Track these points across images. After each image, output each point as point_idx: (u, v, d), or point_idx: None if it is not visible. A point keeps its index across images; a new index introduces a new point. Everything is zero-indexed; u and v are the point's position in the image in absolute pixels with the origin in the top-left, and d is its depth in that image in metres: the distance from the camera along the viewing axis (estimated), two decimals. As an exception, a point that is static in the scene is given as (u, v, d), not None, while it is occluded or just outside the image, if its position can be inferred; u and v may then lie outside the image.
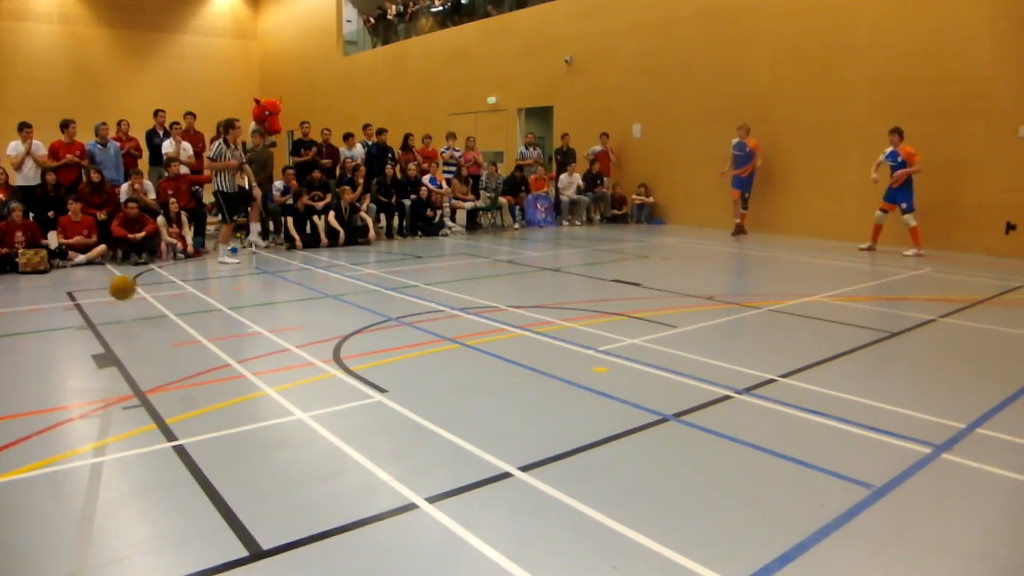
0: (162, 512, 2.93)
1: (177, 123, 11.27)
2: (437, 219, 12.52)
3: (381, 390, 4.29)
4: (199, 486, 3.09)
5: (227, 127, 9.46)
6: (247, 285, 8.25)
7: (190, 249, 9.97)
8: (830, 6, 11.23)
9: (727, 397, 4.19)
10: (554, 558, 2.56)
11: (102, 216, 9.46)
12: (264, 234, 11.13)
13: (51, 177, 9.69)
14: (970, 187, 9.90)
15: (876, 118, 10.60)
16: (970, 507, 2.95)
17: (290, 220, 10.75)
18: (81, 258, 9.08)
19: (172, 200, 9.91)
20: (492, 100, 17.44)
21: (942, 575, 2.50)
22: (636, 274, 8.36)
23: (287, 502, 2.97)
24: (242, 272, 8.89)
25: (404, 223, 12.20)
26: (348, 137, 12.51)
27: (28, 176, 9.79)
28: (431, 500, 2.94)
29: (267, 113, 11.36)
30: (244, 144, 11.22)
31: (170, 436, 3.63)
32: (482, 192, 13.52)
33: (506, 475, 3.18)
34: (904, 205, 9.76)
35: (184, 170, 10.45)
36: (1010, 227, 9.58)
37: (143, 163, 11.49)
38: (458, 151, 13.84)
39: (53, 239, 9.27)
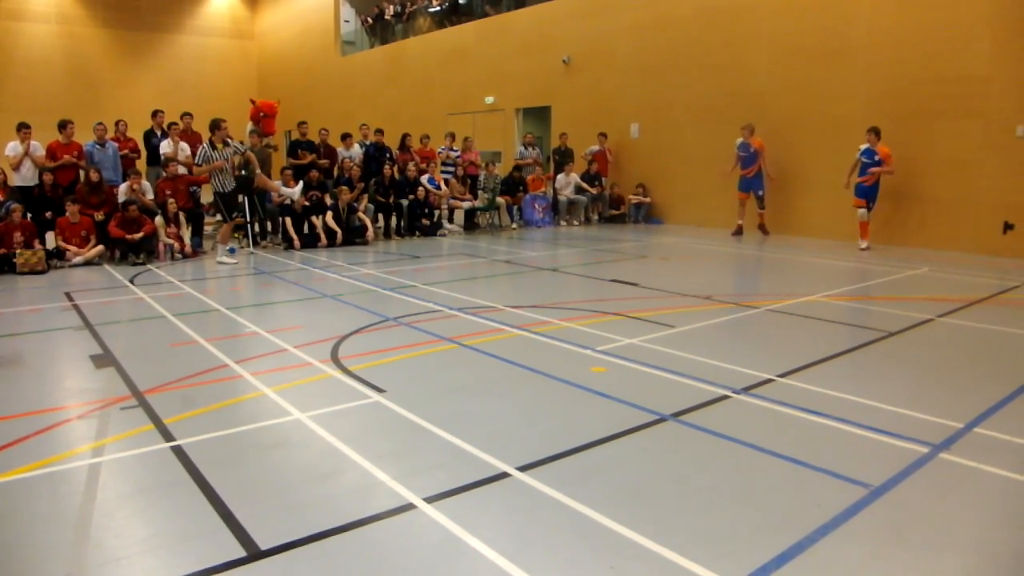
0: (160, 512, 2.93)
1: (175, 123, 11.26)
2: (436, 219, 12.52)
3: (379, 390, 4.29)
4: (197, 486, 3.09)
5: (211, 128, 9.46)
6: (245, 285, 8.25)
7: (188, 249, 9.96)
8: (827, 5, 11.24)
9: (725, 397, 4.19)
10: (552, 558, 2.56)
11: (99, 217, 9.45)
12: (262, 234, 11.13)
13: (48, 177, 9.67)
14: (968, 186, 9.91)
15: (873, 117, 10.60)
16: (968, 507, 2.95)
17: (288, 220, 10.75)
18: (79, 259, 9.07)
19: (171, 200, 9.90)
20: (490, 100, 17.44)
21: (940, 574, 2.51)
22: (634, 274, 8.36)
23: (285, 502, 2.96)
24: (240, 272, 8.89)
25: (402, 223, 12.20)
26: (346, 137, 12.51)
27: (26, 176, 9.77)
28: (429, 500, 2.94)
29: (262, 115, 11.36)
30: (241, 144, 11.22)
31: (168, 436, 3.63)
32: (480, 192, 13.52)
33: (504, 475, 3.18)
34: (870, 205, 10.33)
35: (182, 170, 10.44)
36: (1008, 227, 9.59)
37: (141, 163, 11.48)
38: (455, 151, 13.84)
39: (50, 240, 9.26)
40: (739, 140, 11.78)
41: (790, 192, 11.91)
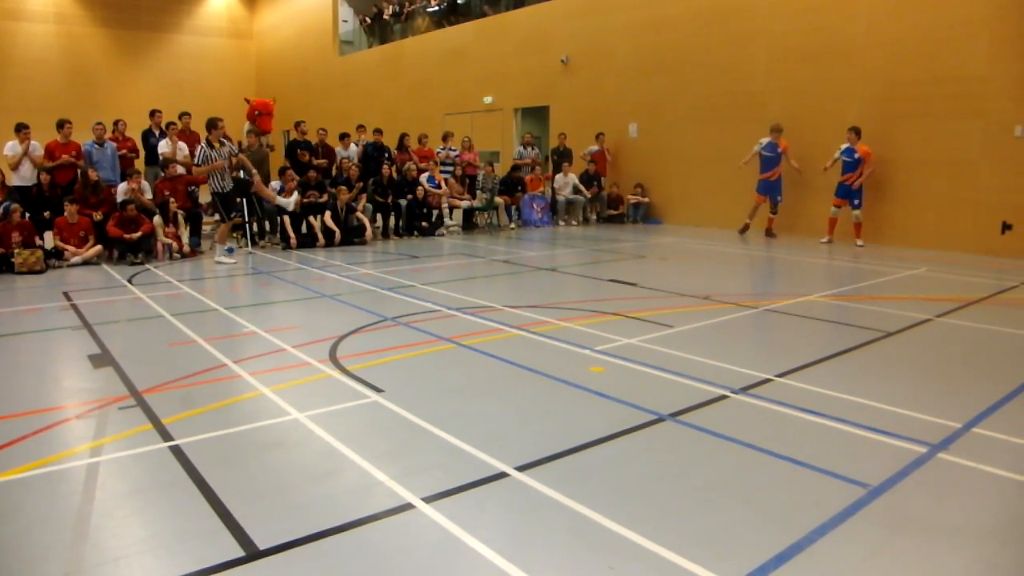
0: (158, 512, 2.93)
1: (173, 123, 11.25)
2: (434, 219, 12.52)
3: (377, 390, 4.29)
4: (195, 486, 3.09)
5: (208, 127, 9.43)
6: (243, 285, 8.24)
7: (186, 249, 9.95)
8: (826, 5, 11.25)
9: (723, 397, 4.19)
10: (551, 558, 2.56)
11: (98, 217, 9.44)
12: (261, 234, 11.13)
13: (45, 177, 9.66)
14: (966, 187, 9.93)
15: (872, 117, 10.63)
16: (966, 506, 2.95)
17: (286, 220, 10.74)
18: (77, 258, 9.06)
19: (171, 200, 9.89)
20: (488, 100, 17.44)
21: (939, 574, 2.51)
22: (632, 274, 8.37)
23: (283, 502, 2.96)
24: (238, 272, 8.88)
25: (400, 223, 12.20)
26: (344, 137, 12.52)
27: (24, 176, 9.78)
28: (427, 500, 2.94)
29: (257, 113, 11.36)
30: (240, 144, 11.21)
31: (166, 436, 3.63)
32: (478, 192, 13.51)
33: (502, 475, 3.18)
34: (856, 202, 10.57)
35: (181, 170, 10.43)
36: (1006, 227, 9.60)
37: (139, 163, 11.47)
38: (454, 151, 13.84)
39: (49, 239, 9.25)
40: (765, 140, 11.46)
41: (788, 192, 11.92)
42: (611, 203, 14.42)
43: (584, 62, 15.18)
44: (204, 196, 10.91)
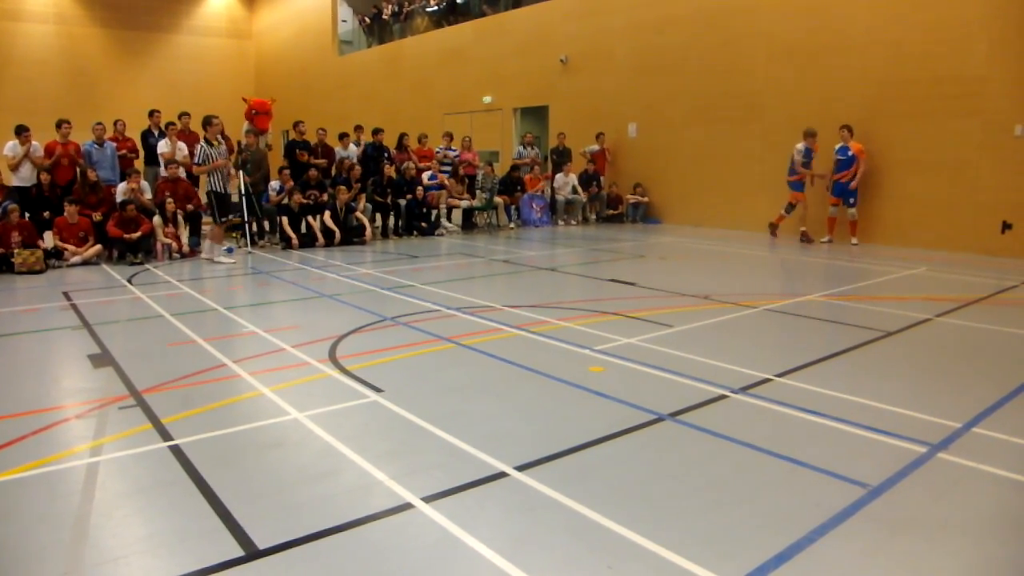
0: (158, 512, 2.93)
1: (173, 123, 11.25)
2: (434, 219, 12.52)
3: (377, 390, 4.29)
4: (195, 486, 3.09)
5: (203, 125, 9.41)
6: (243, 285, 8.24)
7: (185, 249, 9.95)
8: (824, 5, 11.25)
9: (723, 397, 4.19)
10: (550, 558, 2.56)
11: (97, 217, 9.44)
12: (260, 234, 11.13)
13: (45, 177, 9.66)
14: (966, 186, 9.93)
15: (871, 117, 10.62)
16: (966, 507, 2.95)
17: (285, 219, 10.74)
18: (76, 258, 9.06)
19: (169, 200, 9.89)
20: (487, 100, 17.44)
21: (938, 575, 2.51)
22: (632, 273, 8.37)
23: (283, 502, 2.96)
24: (238, 272, 8.88)
25: (400, 223, 12.20)
26: (343, 137, 12.52)
27: (24, 177, 9.78)
28: (427, 500, 2.94)
29: (254, 112, 11.35)
30: (240, 143, 11.20)
31: (166, 436, 3.62)
32: (478, 192, 13.51)
33: (502, 475, 3.18)
34: (851, 200, 10.59)
35: (182, 173, 10.40)
36: (1006, 226, 9.59)
37: (139, 163, 11.47)
38: (453, 151, 13.84)
39: (49, 239, 9.25)
40: (801, 146, 10.97)
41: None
42: (610, 203, 14.43)
43: (583, 62, 15.18)
44: (202, 196, 10.92)
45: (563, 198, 13.95)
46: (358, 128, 13.09)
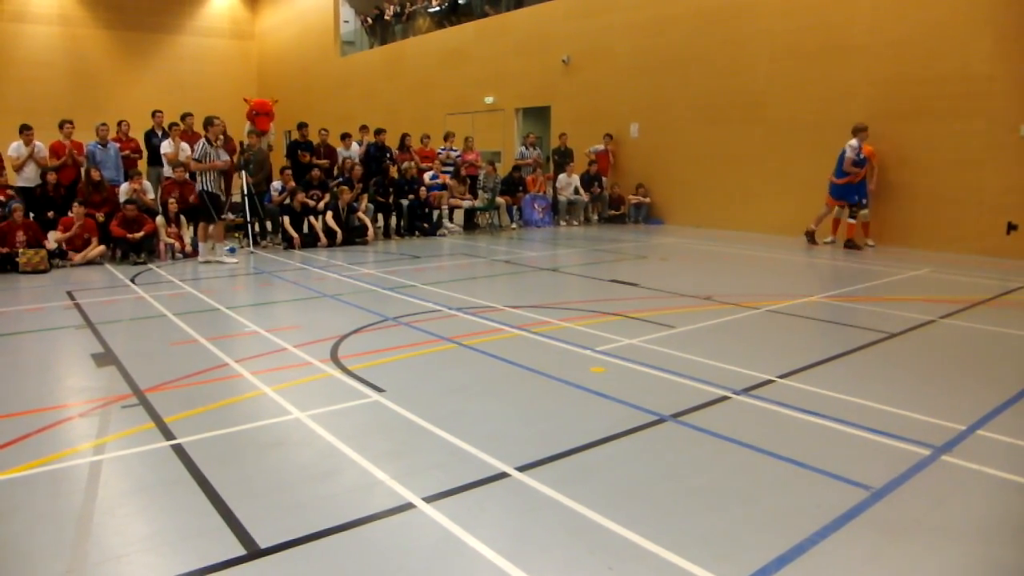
0: (160, 510, 2.93)
1: (176, 124, 11.27)
2: (436, 220, 12.53)
3: (378, 390, 4.29)
4: (197, 485, 3.09)
5: (204, 126, 9.40)
6: (245, 285, 8.25)
7: (188, 249, 9.96)
8: (827, 4, 11.23)
9: (725, 398, 4.19)
10: (551, 558, 2.56)
11: (100, 217, 9.46)
12: (262, 234, 11.14)
13: (52, 177, 9.69)
14: (970, 187, 9.89)
15: (874, 117, 10.59)
16: (970, 510, 2.95)
17: (287, 220, 10.75)
18: (79, 257, 9.08)
19: (171, 200, 9.90)
20: (489, 100, 17.44)
21: None
22: (634, 274, 8.36)
23: (284, 501, 2.97)
24: (240, 272, 8.89)
25: (402, 223, 12.21)
26: (345, 137, 12.53)
27: (28, 177, 9.82)
28: (428, 500, 2.94)
29: (255, 113, 11.36)
30: (242, 144, 11.21)
31: (168, 435, 3.63)
32: (479, 192, 13.51)
33: (503, 475, 3.18)
34: (864, 201, 10.35)
35: (187, 176, 10.40)
36: (1011, 227, 9.56)
37: (142, 163, 11.50)
38: (455, 151, 13.84)
39: (53, 239, 9.27)
40: (855, 142, 10.27)
41: (789, 192, 11.92)
42: (612, 203, 14.42)
43: (585, 62, 15.18)
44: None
45: (565, 199, 13.94)
46: (363, 128, 13.10)
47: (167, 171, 10.67)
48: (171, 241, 9.79)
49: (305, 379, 4.55)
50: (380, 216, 12.06)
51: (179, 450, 3.45)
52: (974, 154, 9.81)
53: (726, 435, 3.63)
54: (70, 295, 7.24)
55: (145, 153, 11.65)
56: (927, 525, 2.80)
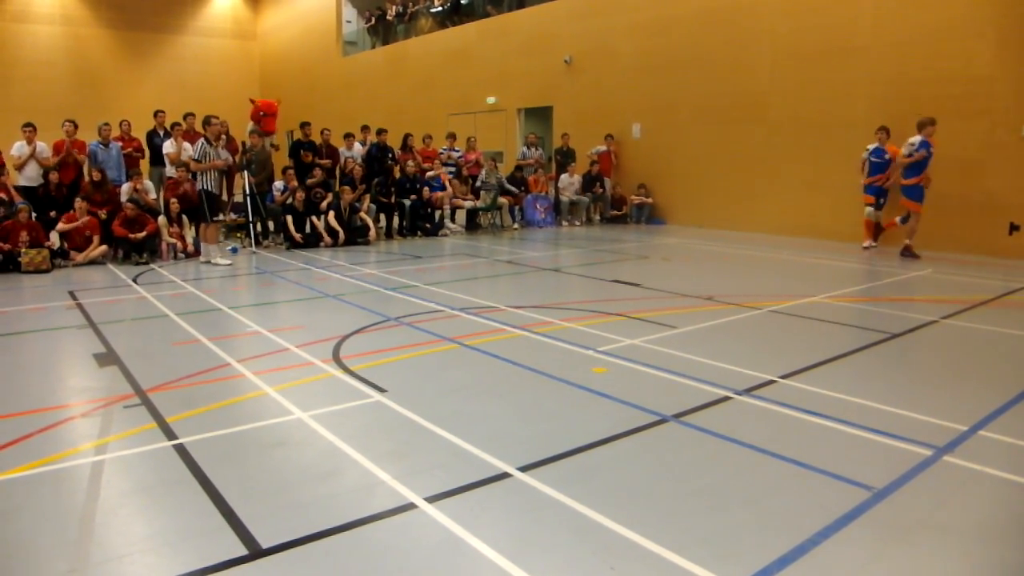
0: (162, 510, 2.94)
1: (178, 124, 11.28)
2: (438, 220, 12.53)
3: (380, 390, 4.29)
4: (199, 484, 3.09)
5: (203, 125, 9.38)
6: (247, 285, 8.26)
7: (190, 249, 9.96)
8: (830, 4, 11.22)
9: (727, 398, 4.19)
10: (552, 558, 2.56)
11: (103, 215, 9.48)
12: (264, 234, 11.14)
13: (54, 176, 9.71)
14: (973, 187, 9.88)
15: (877, 117, 10.57)
16: (972, 510, 2.94)
17: (290, 219, 10.76)
18: (81, 257, 9.10)
19: (173, 200, 9.91)
20: (492, 100, 17.45)
21: (941, 576, 2.50)
22: (635, 274, 8.36)
23: (286, 501, 2.97)
24: (242, 272, 8.89)
25: (404, 223, 12.21)
26: (348, 137, 12.54)
27: (31, 177, 9.84)
28: (430, 500, 2.94)
29: (262, 114, 11.37)
30: (244, 144, 11.22)
31: (170, 435, 3.64)
32: (481, 192, 13.49)
33: (505, 475, 3.18)
34: (881, 201, 10.28)
35: (189, 175, 10.40)
36: (1014, 228, 9.54)
37: (144, 163, 11.51)
38: (456, 151, 13.84)
39: (55, 239, 9.29)
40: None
41: (791, 192, 11.90)
42: (614, 204, 14.42)
43: (587, 62, 15.17)
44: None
45: (567, 199, 13.94)
46: (365, 128, 13.11)
47: (169, 171, 10.68)
48: (173, 241, 9.80)
49: (307, 379, 4.55)
50: (382, 216, 12.07)
51: (181, 450, 3.46)
52: (977, 154, 9.80)
53: (728, 435, 3.63)
54: (72, 295, 7.25)
55: (147, 153, 11.67)
56: (929, 525, 2.79)
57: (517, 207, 13.71)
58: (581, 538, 2.68)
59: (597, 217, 14.54)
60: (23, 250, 8.55)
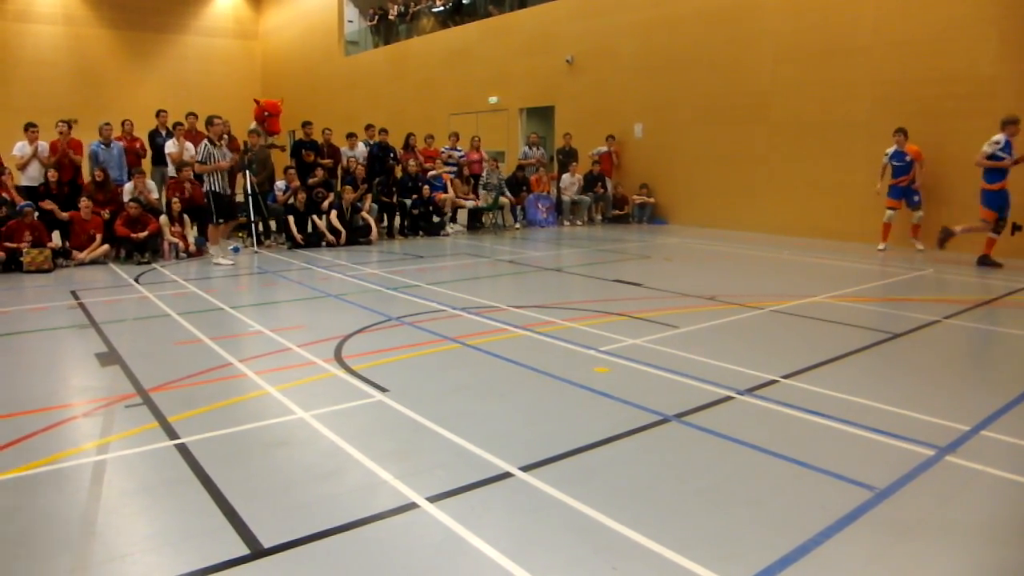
0: (164, 510, 2.94)
1: (180, 123, 11.29)
2: (440, 219, 12.53)
3: (382, 389, 4.29)
4: (201, 484, 3.10)
5: (205, 125, 9.38)
6: (249, 285, 8.27)
7: (192, 248, 9.97)
8: (832, 4, 11.21)
9: (729, 398, 4.18)
10: (554, 558, 2.55)
11: (105, 215, 9.49)
12: (266, 234, 11.15)
13: (53, 175, 9.71)
14: (976, 187, 9.82)
15: (879, 117, 10.57)
16: (974, 510, 2.94)
17: (291, 219, 10.77)
18: (83, 256, 9.11)
19: (175, 199, 9.92)
20: (493, 100, 17.45)
21: (943, 576, 2.50)
22: (637, 274, 8.36)
23: (288, 500, 2.97)
24: (244, 271, 8.90)
25: (406, 223, 12.21)
26: (351, 136, 12.54)
27: (32, 176, 9.85)
28: (431, 499, 2.94)
29: (266, 114, 11.37)
30: (245, 144, 11.23)
31: (172, 434, 3.64)
32: (482, 192, 13.49)
33: (507, 475, 3.18)
34: (916, 199, 10.05)
35: (192, 176, 10.42)
36: (1016, 228, 9.50)
37: (146, 163, 11.52)
38: (458, 151, 13.84)
39: (57, 238, 9.30)
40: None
41: (793, 192, 11.90)
42: (616, 203, 14.42)
43: (589, 62, 15.17)
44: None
45: (569, 198, 13.94)
46: (368, 128, 13.11)
47: (171, 171, 10.68)
48: (175, 240, 9.81)
49: (309, 379, 4.55)
50: (384, 216, 12.07)
51: (183, 450, 3.46)
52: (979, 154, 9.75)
53: (730, 435, 3.63)
54: (74, 294, 7.26)
55: (149, 152, 11.68)
56: (931, 525, 2.79)
57: (519, 207, 13.71)
58: (583, 538, 2.68)
59: (599, 217, 14.54)
60: (25, 250, 8.56)
